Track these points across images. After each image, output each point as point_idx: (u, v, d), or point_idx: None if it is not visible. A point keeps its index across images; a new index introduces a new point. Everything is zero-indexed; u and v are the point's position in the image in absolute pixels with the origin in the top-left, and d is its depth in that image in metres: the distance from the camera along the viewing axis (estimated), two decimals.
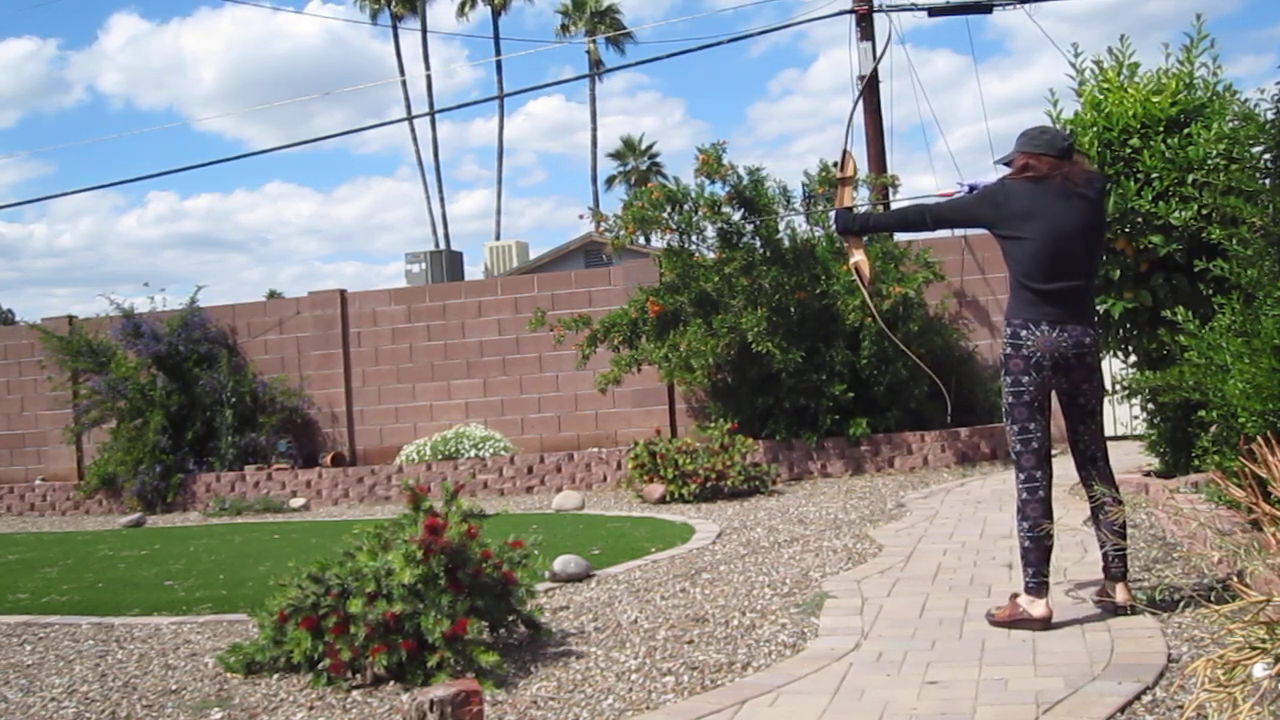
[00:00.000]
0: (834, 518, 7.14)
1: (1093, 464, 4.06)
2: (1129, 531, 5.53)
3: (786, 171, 37.32)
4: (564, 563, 5.60)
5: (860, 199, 10.69)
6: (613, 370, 10.16)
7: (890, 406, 9.93)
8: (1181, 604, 3.90)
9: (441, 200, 41.38)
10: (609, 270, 12.33)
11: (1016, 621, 3.88)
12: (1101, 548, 3.97)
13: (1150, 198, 6.25)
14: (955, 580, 4.87)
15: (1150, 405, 6.92)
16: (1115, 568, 3.95)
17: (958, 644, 3.80)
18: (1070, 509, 6.34)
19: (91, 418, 12.49)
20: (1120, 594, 3.93)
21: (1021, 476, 3.94)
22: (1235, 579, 2.82)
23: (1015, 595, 3.97)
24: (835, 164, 10.26)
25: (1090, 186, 3.95)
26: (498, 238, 35.23)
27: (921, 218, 4.25)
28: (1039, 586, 3.87)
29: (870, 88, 12.98)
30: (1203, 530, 3.88)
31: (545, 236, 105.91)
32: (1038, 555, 3.87)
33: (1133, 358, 7.10)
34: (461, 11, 41.89)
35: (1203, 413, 5.24)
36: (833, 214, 4.29)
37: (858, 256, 4.33)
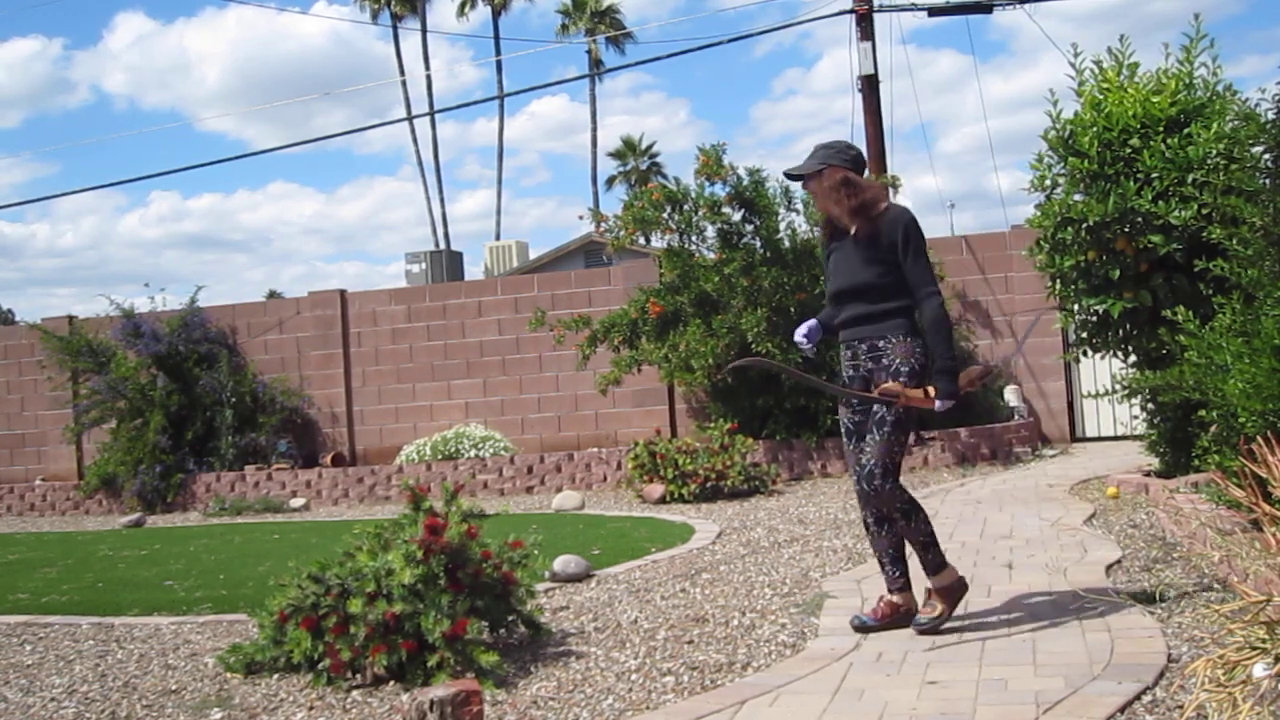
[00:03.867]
0: (834, 518, 7.14)
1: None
2: (1130, 531, 5.55)
3: None
4: (564, 563, 5.60)
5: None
6: (613, 371, 10.16)
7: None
8: (1182, 604, 3.91)
9: (442, 200, 41.43)
10: (609, 270, 12.33)
11: (948, 590, 3.92)
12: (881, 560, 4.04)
13: (1150, 197, 6.25)
14: None
15: (1150, 405, 6.92)
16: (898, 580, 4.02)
17: (958, 644, 3.80)
18: (1070, 509, 6.35)
19: (91, 418, 12.51)
20: (907, 600, 4.00)
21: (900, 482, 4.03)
22: (1235, 579, 2.82)
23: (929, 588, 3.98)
24: None
25: None
26: (498, 238, 35.26)
27: (942, 309, 3.96)
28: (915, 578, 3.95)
29: (870, 88, 12.99)
30: (1203, 530, 3.88)
31: (546, 236, 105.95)
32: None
33: (1133, 358, 7.09)
34: (462, 11, 41.92)
35: (1203, 413, 5.24)
36: (939, 405, 4.00)
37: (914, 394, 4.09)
